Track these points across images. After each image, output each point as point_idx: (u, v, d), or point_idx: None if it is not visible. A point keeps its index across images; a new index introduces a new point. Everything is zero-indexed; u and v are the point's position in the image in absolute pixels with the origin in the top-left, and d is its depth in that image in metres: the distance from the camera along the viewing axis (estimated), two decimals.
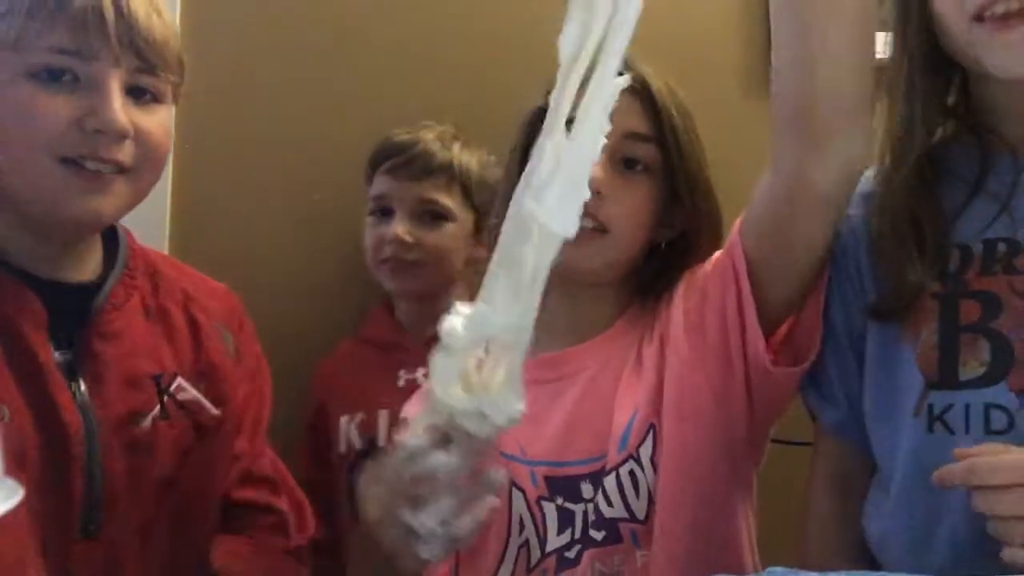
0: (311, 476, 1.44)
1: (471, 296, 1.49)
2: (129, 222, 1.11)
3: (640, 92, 1.11)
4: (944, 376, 0.94)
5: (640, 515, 1.04)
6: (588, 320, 1.14)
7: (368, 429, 1.48)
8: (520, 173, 1.22)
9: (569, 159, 0.81)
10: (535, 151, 0.82)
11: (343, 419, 1.49)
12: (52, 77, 0.96)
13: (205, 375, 1.10)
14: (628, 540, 1.04)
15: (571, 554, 1.06)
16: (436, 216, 1.49)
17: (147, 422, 1.03)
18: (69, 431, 0.97)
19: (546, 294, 0.82)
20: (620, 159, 1.11)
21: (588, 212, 1.09)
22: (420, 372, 1.44)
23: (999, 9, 0.87)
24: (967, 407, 0.92)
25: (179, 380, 1.07)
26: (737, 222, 1.06)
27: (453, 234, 1.50)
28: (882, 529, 0.98)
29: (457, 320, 0.81)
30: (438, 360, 0.81)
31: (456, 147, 1.50)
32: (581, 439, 1.08)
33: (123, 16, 0.97)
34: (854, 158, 0.97)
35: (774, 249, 1.01)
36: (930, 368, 0.94)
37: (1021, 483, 0.80)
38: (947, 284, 0.95)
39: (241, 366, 1.15)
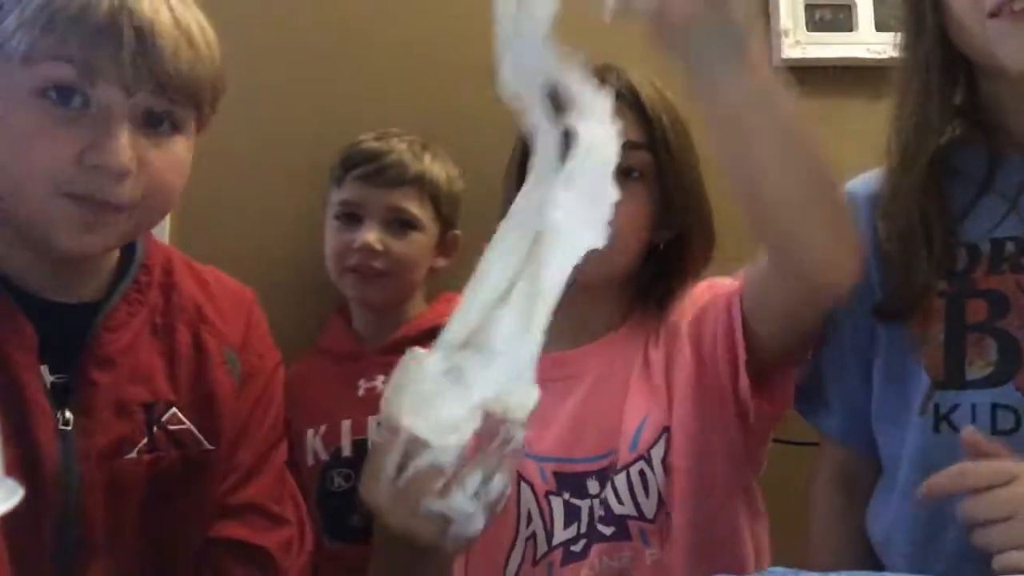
0: None
1: (428, 303, 1.51)
2: None
3: (630, 101, 1.12)
4: (950, 376, 0.94)
5: (649, 514, 1.07)
6: (592, 322, 1.16)
7: (332, 440, 1.46)
8: (518, 184, 1.22)
9: (584, 170, 0.80)
10: (535, 168, 0.82)
11: (308, 432, 1.46)
12: (61, 98, 0.89)
13: (203, 406, 1.03)
14: (637, 538, 1.06)
15: (577, 548, 1.08)
16: (404, 225, 1.48)
17: (133, 453, 0.97)
18: (44, 472, 0.90)
19: None
20: (617, 169, 1.11)
21: None
22: (379, 380, 1.45)
23: (1018, 5, 0.88)
24: (973, 407, 0.93)
25: (173, 410, 1.01)
26: (738, 280, 1.07)
27: (420, 244, 1.49)
28: (886, 529, 0.99)
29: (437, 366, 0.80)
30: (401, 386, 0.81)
31: (427, 158, 1.50)
32: (588, 437, 1.10)
33: (143, 40, 0.89)
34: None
35: (773, 320, 1.01)
36: (936, 368, 0.95)
37: (1000, 484, 0.80)
38: (954, 283, 0.95)
39: (247, 389, 1.08)
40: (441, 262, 1.52)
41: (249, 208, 1.59)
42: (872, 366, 1.02)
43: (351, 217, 1.48)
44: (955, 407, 0.93)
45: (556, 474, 1.09)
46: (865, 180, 1.05)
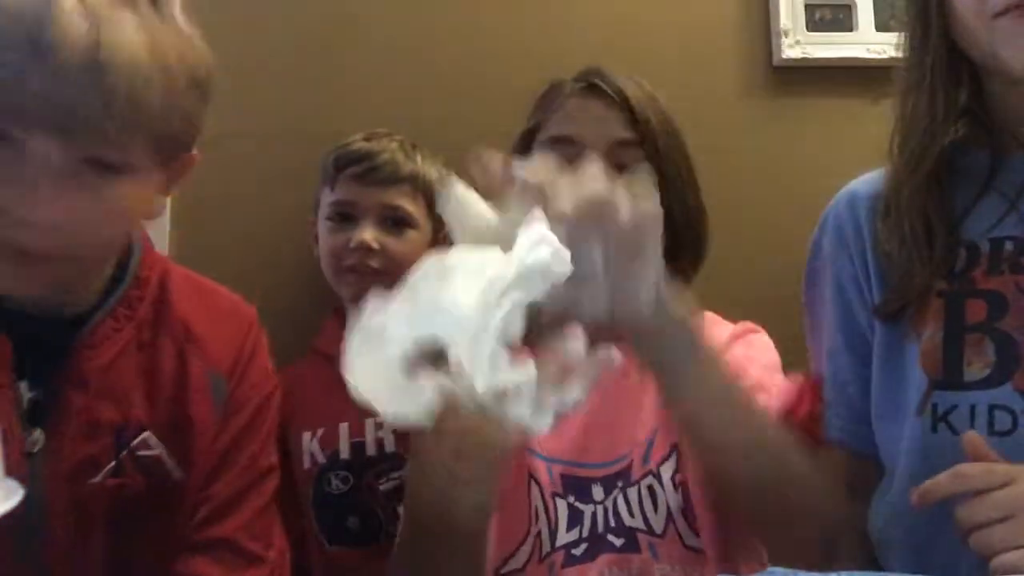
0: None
1: None
2: None
3: (619, 101, 1.16)
4: (948, 376, 0.93)
5: (658, 529, 1.07)
6: None
7: (329, 443, 1.45)
8: None
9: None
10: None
11: (305, 435, 1.45)
12: None
13: (178, 431, 0.98)
14: (646, 551, 1.06)
15: (578, 551, 1.08)
16: (400, 223, 1.48)
17: (97, 477, 0.93)
18: None
19: None
20: (612, 166, 1.13)
21: None
22: None
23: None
24: (972, 407, 0.92)
25: (145, 434, 0.96)
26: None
27: (416, 242, 1.49)
28: (884, 528, 0.98)
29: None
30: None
31: (419, 157, 1.51)
32: (598, 444, 1.10)
33: (70, 87, 0.79)
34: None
35: None
36: (934, 367, 0.94)
37: (997, 486, 0.79)
38: (953, 283, 0.95)
39: (233, 418, 1.03)
40: None
41: (244, 209, 1.59)
42: (871, 366, 1.01)
43: (345, 217, 1.48)
44: (953, 407, 0.92)
45: (563, 476, 1.10)
46: (866, 180, 1.04)
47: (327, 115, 1.62)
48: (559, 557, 1.08)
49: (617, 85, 1.17)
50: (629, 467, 1.09)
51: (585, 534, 1.08)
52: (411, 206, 1.47)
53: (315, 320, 1.57)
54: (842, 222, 1.04)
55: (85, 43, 0.79)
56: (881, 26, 1.66)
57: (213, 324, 1.04)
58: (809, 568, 0.72)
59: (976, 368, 0.92)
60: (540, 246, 0.69)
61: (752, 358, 1.12)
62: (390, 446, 1.43)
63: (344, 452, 1.44)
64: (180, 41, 0.87)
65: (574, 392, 0.73)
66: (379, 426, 1.43)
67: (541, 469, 1.10)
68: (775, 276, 1.46)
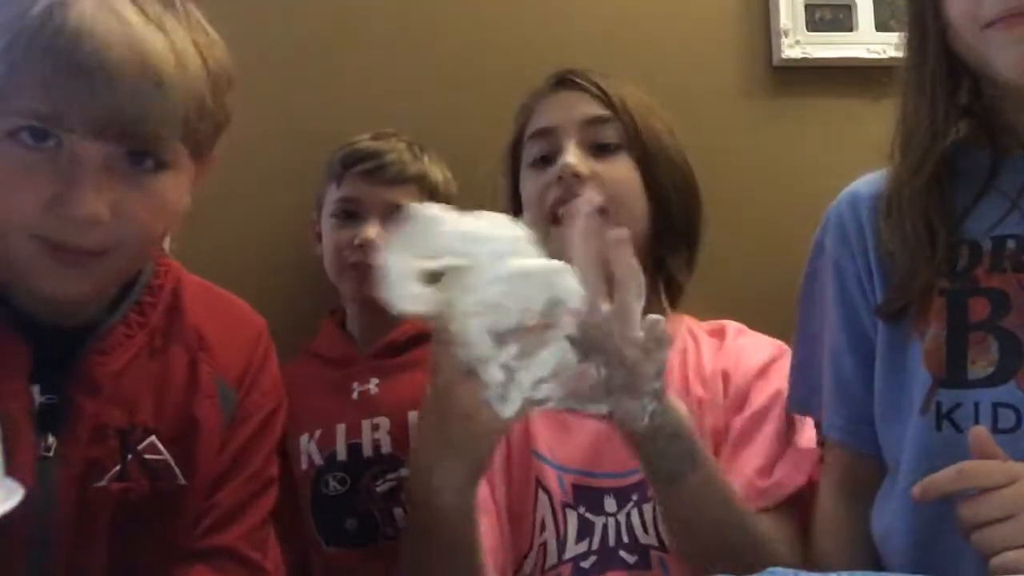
0: None
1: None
2: None
3: (589, 87, 1.18)
4: (952, 374, 0.94)
5: (671, 544, 1.05)
6: None
7: (327, 444, 1.44)
8: (512, 172, 1.23)
9: None
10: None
11: (302, 437, 1.44)
12: (35, 138, 0.85)
13: (185, 438, 0.98)
14: (657, 567, 1.05)
15: (587, 564, 1.06)
16: None
17: (103, 481, 0.93)
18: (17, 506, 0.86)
19: None
20: (589, 146, 1.16)
21: (575, 197, 1.11)
22: (372, 383, 1.46)
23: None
24: (976, 405, 0.92)
25: (151, 438, 0.96)
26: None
27: None
28: (887, 527, 0.98)
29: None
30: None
31: (426, 159, 1.51)
32: (612, 453, 1.08)
33: (111, 86, 0.83)
34: None
35: None
36: (938, 366, 0.94)
37: (1001, 485, 0.79)
38: (955, 281, 0.95)
39: (240, 428, 1.04)
40: None
41: (241, 210, 1.58)
42: (873, 366, 1.00)
43: (350, 215, 1.47)
44: (957, 406, 0.92)
45: (575, 487, 1.08)
46: (868, 180, 1.05)
47: (326, 115, 1.61)
48: (566, 570, 1.07)
49: (587, 75, 1.19)
50: (645, 481, 1.05)
51: (595, 547, 1.06)
52: None
53: (313, 321, 1.56)
54: (844, 222, 1.04)
55: (125, 47, 0.84)
56: (881, 26, 1.66)
57: (225, 333, 1.04)
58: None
59: (979, 366, 0.92)
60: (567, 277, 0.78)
61: (782, 392, 1.12)
62: (387, 447, 1.42)
63: (341, 453, 1.43)
64: (209, 43, 0.91)
65: (546, 392, 0.79)
66: (375, 427, 1.43)
67: (551, 477, 1.08)
68: (775, 276, 1.45)
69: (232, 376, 1.03)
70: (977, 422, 0.90)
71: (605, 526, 1.06)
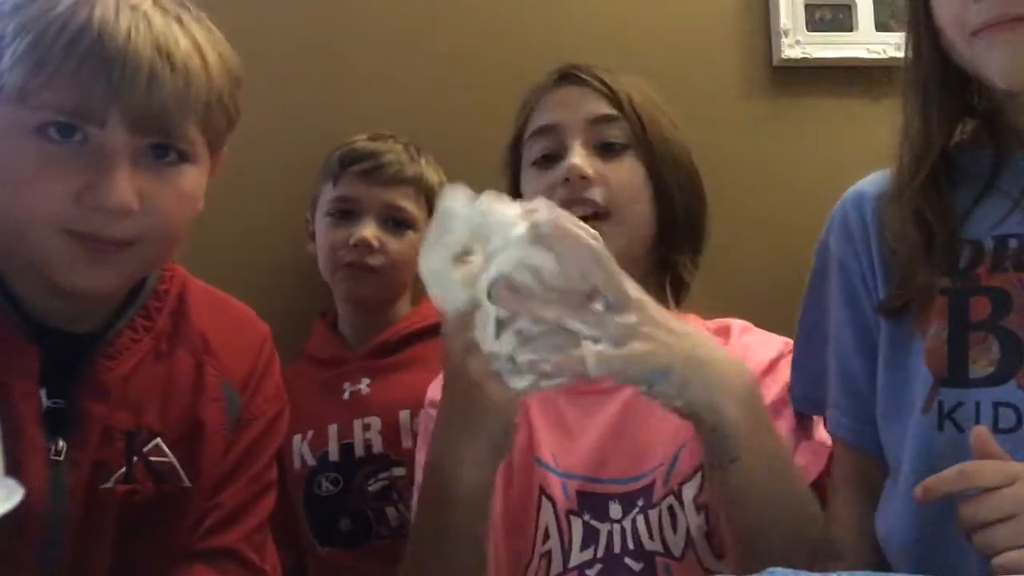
0: None
1: (414, 304, 1.50)
2: None
3: (594, 83, 1.16)
4: (953, 373, 0.93)
5: (676, 552, 1.03)
6: None
7: (319, 445, 1.45)
8: (513, 170, 1.23)
9: None
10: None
11: (295, 438, 1.44)
12: (62, 134, 0.86)
13: (190, 439, 0.99)
14: (663, 575, 1.03)
15: (592, 572, 1.04)
16: (400, 223, 1.48)
17: (109, 483, 0.94)
18: (31, 505, 0.85)
19: None
20: (595, 145, 1.15)
21: (581, 199, 1.09)
22: (364, 383, 1.47)
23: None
24: (977, 405, 0.91)
25: (156, 441, 0.97)
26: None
27: (415, 243, 1.48)
28: (889, 526, 0.97)
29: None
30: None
31: (423, 161, 1.51)
32: (617, 459, 1.07)
33: (137, 79, 0.85)
34: None
35: None
36: (939, 365, 0.94)
37: (1003, 485, 0.79)
38: (957, 280, 0.94)
39: (245, 431, 1.05)
40: None
41: (241, 209, 1.57)
42: (876, 365, 1.00)
43: (346, 214, 1.47)
44: (959, 405, 0.92)
45: (580, 493, 1.06)
46: (872, 180, 1.04)
47: (326, 114, 1.61)
48: None
49: (592, 70, 1.17)
50: (651, 486, 1.05)
51: (600, 554, 1.04)
52: (413, 207, 1.47)
53: (307, 322, 1.56)
54: (849, 221, 1.03)
55: (149, 42, 0.86)
56: (881, 26, 1.65)
57: (230, 337, 1.06)
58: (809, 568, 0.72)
59: (981, 366, 0.91)
60: None
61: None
62: (378, 447, 1.42)
63: (333, 454, 1.43)
64: (220, 42, 0.94)
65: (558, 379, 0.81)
66: (367, 427, 1.43)
67: (555, 486, 1.07)
68: (774, 276, 1.45)
69: (237, 380, 1.04)
70: (978, 422, 0.90)
71: (610, 533, 1.04)
